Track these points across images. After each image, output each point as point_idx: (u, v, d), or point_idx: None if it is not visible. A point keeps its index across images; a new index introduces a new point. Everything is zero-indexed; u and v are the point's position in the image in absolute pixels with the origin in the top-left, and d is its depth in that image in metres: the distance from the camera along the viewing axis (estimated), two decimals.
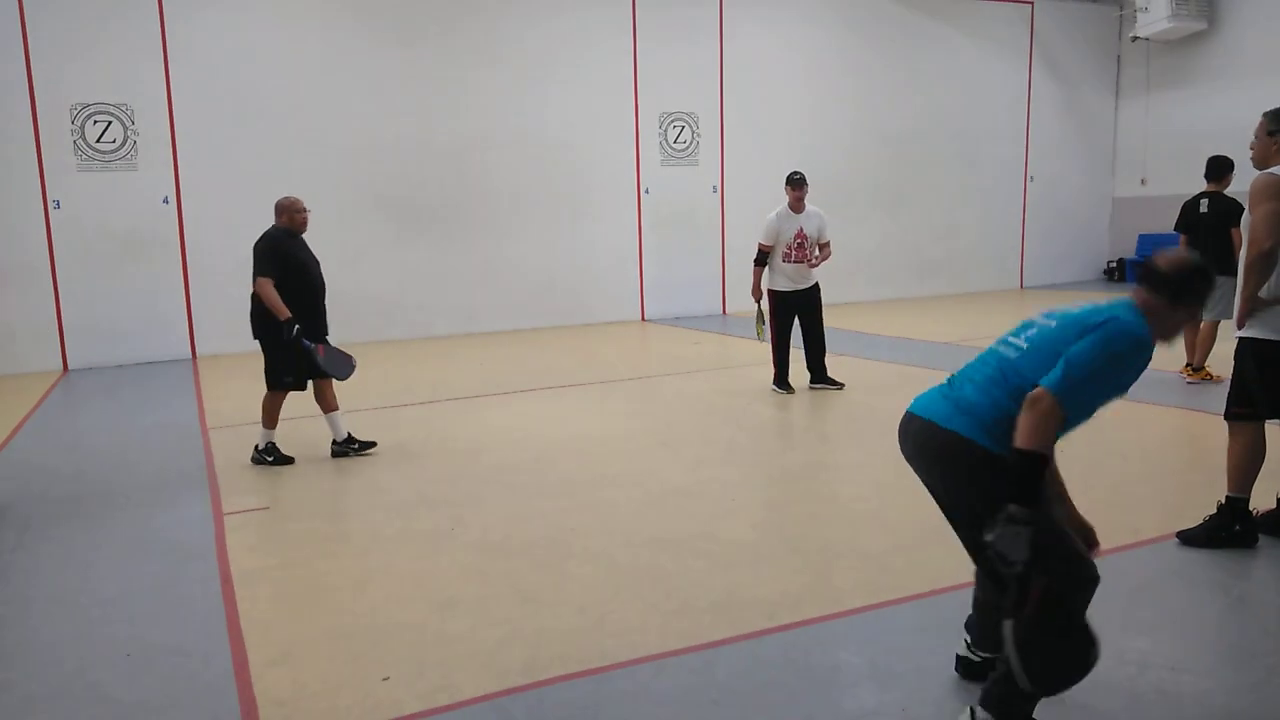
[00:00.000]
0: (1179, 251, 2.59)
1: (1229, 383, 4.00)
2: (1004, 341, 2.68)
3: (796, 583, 3.71)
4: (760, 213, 13.77)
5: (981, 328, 11.13)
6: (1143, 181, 16.43)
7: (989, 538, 2.35)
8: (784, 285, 7.72)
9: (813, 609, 3.46)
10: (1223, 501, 3.92)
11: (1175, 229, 7.55)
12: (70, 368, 10.13)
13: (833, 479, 5.22)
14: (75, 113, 9.97)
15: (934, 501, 2.71)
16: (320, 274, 5.94)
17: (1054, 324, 2.55)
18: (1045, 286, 16.27)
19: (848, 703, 2.82)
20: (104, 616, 3.63)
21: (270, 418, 5.81)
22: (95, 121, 10.06)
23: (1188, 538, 3.94)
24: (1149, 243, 16.43)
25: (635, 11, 12.70)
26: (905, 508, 4.66)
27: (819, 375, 7.66)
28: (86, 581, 4.01)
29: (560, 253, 12.47)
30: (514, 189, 12.15)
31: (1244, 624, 3.32)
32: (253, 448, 5.87)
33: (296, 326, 5.56)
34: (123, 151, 10.22)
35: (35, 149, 9.86)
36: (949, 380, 2.71)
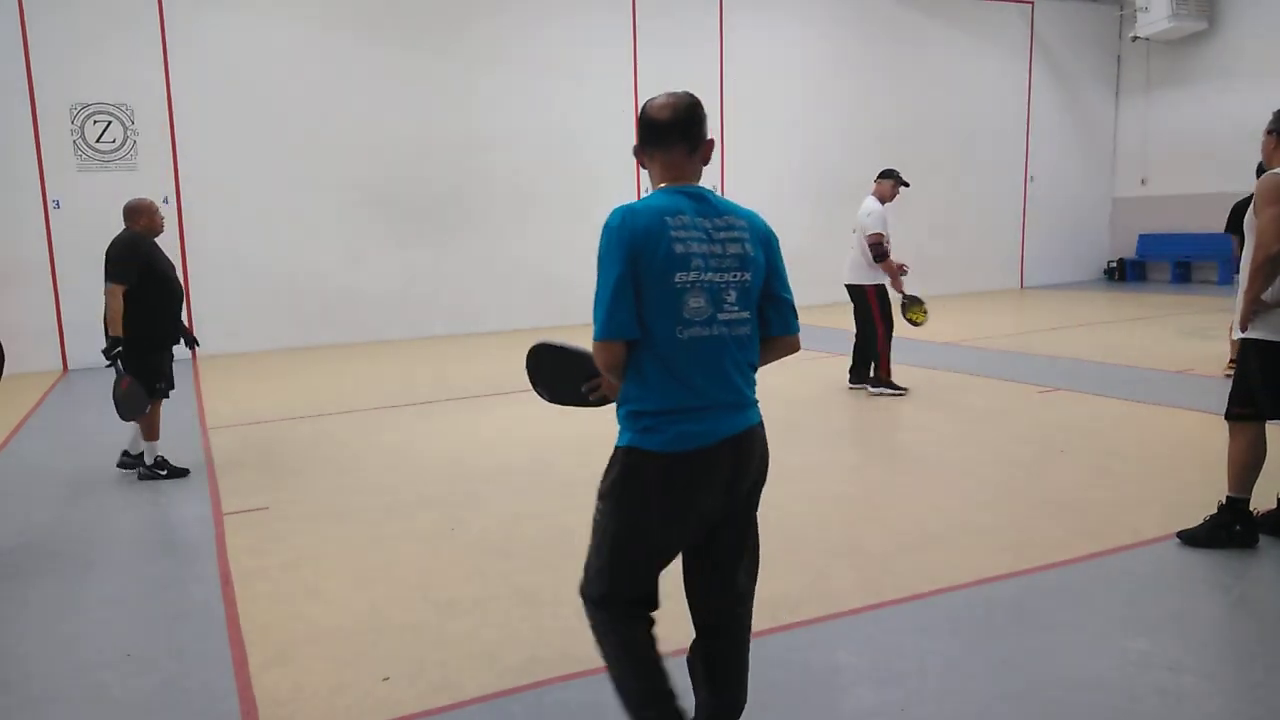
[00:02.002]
0: (670, 95, 2.34)
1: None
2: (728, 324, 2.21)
3: (796, 583, 3.71)
4: (761, 211, 13.81)
5: (981, 328, 11.14)
6: (1143, 181, 16.43)
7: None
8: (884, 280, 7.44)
9: (812, 609, 3.45)
10: (1223, 501, 3.92)
11: (1225, 230, 7.46)
12: (70, 368, 10.14)
13: (833, 479, 5.22)
14: (75, 113, 9.97)
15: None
16: (179, 280, 5.66)
17: (749, 276, 2.20)
18: (1045, 286, 16.28)
19: (847, 703, 2.82)
20: (104, 616, 3.63)
21: (151, 429, 5.50)
22: (95, 121, 10.07)
23: (1188, 537, 3.94)
24: (1149, 242, 16.44)
25: (635, 12, 12.70)
26: (905, 508, 4.67)
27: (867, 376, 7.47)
28: (87, 581, 4.00)
29: (561, 252, 12.46)
30: (515, 189, 12.15)
31: (1244, 624, 3.32)
32: (139, 464, 5.57)
33: (118, 350, 5.24)
34: (123, 151, 10.22)
35: (35, 149, 9.86)
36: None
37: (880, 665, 3.02)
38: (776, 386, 7.92)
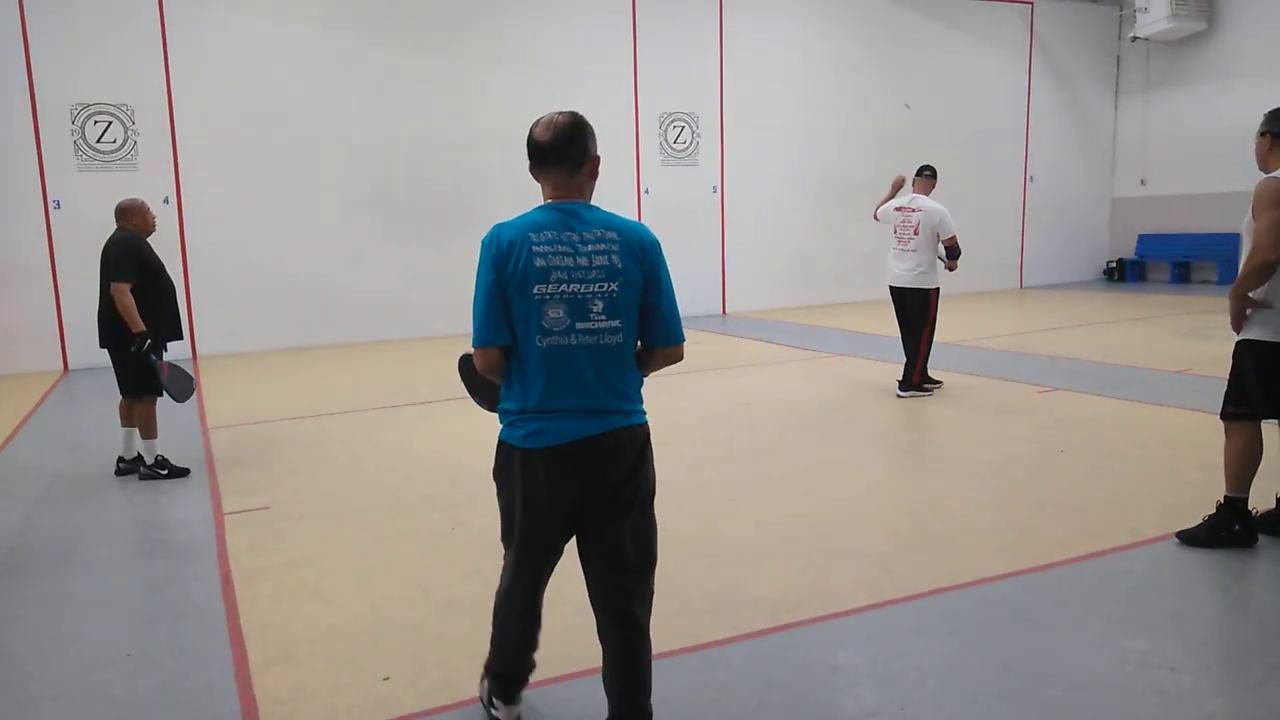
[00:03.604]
0: (554, 115, 2.42)
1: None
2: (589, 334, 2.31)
3: (796, 583, 3.71)
4: (760, 211, 13.86)
5: (980, 328, 11.14)
6: (1142, 181, 16.43)
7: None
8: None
9: (812, 609, 3.46)
10: (1221, 501, 3.92)
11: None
12: (70, 368, 10.14)
13: (833, 479, 5.22)
14: (76, 113, 9.97)
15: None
16: (170, 279, 5.68)
17: (618, 286, 2.28)
18: (1045, 286, 16.28)
19: (847, 703, 2.82)
20: (104, 615, 3.63)
21: (149, 428, 5.52)
22: (96, 122, 10.07)
23: (1187, 537, 3.94)
24: (1149, 242, 16.44)
25: (635, 12, 12.71)
26: (905, 508, 4.67)
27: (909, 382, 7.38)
28: (87, 580, 4.01)
29: None
30: (515, 189, 12.01)
31: (1243, 623, 3.32)
32: (139, 465, 5.57)
33: (148, 342, 5.30)
34: (123, 152, 10.22)
35: (36, 149, 9.86)
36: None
37: (880, 665, 3.03)
38: (776, 387, 7.94)
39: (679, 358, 2.43)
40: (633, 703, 2.46)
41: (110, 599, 3.81)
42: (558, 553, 2.51)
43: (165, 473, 5.56)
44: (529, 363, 2.29)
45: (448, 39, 11.69)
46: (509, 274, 2.27)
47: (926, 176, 7.53)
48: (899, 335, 7.56)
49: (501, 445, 2.42)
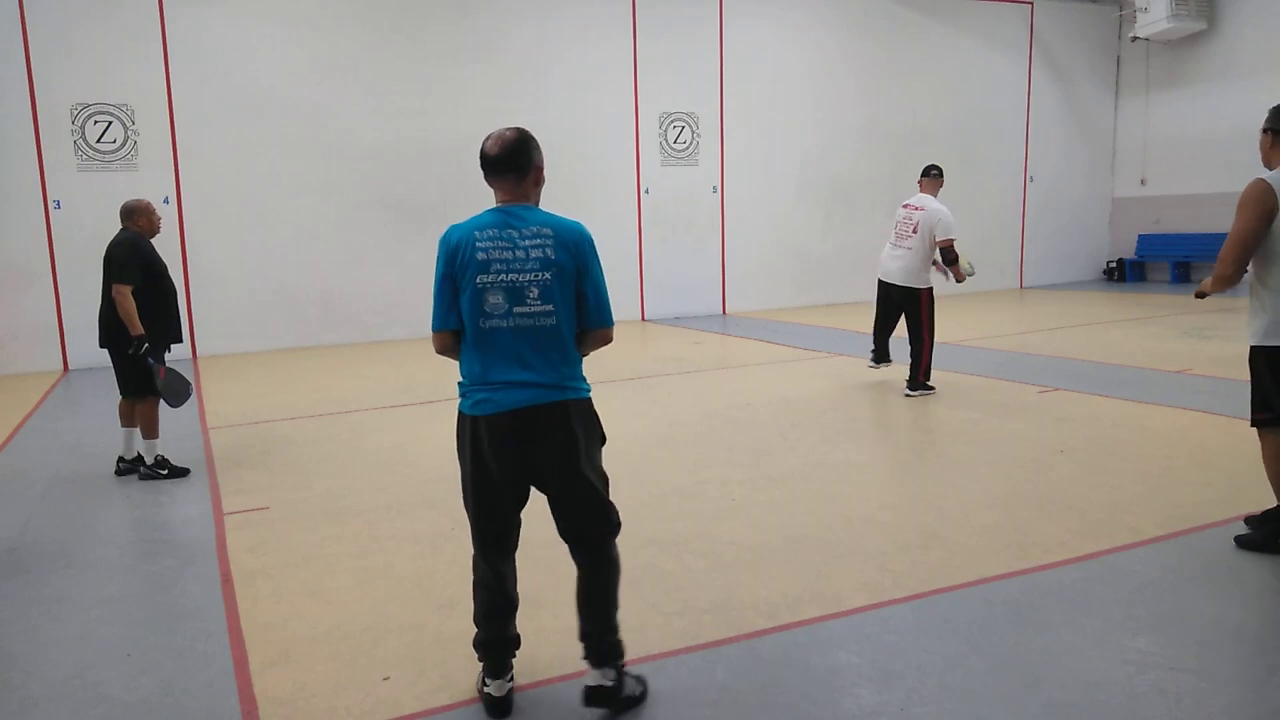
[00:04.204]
0: (502, 131, 2.73)
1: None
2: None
3: (796, 583, 3.71)
4: (760, 211, 13.86)
5: (982, 328, 11.14)
6: (1142, 181, 16.44)
7: None
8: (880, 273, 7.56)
9: (813, 609, 3.46)
10: (1272, 509, 3.89)
11: None
12: (71, 367, 10.14)
13: (833, 479, 5.22)
14: (75, 113, 9.98)
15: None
16: (172, 280, 5.68)
17: (551, 275, 2.63)
18: (1045, 286, 16.28)
19: (847, 703, 2.82)
20: (104, 615, 3.63)
21: (151, 428, 5.53)
22: (95, 122, 10.07)
23: (1245, 543, 3.89)
24: (1149, 242, 16.44)
25: (635, 11, 12.71)
26: (905, 508, 4.67)
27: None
28: (87, 580, 4.01)
29: None
30: None
31: (1244, 623, 3.32)
32: (139, 464, 5.57)
33: (145, 345, 5.30)
34: (123, 152, 10.22)
35: (36, 149, 9.87)
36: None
37: (880, 665, 3.03)
38: (776, 387, 7.94)
39: (608, 340, 2.79)
40: (600, 617, 2.81)
41: (110, 599, 3.81)
42: (512, 520, 2.81)
43: (165, 473, 5.56)
44: (475, 342, 2.66)
45: (448, 40, 11.69)
46: (457, 266, 2.64)
47: (934, 176, 7.52)
48: (898, 337, 7.57)
49: (459, 416, 2.78)
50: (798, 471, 5.33)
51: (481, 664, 2.87)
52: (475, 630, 2.89)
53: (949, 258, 7.23)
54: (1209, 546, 3.97)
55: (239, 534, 4.54)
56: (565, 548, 3.33)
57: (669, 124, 13.12)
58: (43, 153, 9.90)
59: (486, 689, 2.83)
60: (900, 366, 7.76)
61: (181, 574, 4.07)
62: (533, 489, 2.81)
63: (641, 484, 5.17)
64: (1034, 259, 16.39)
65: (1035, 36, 15.77)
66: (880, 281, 7.56)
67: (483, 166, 2.70)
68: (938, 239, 7.20)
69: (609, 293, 2.76)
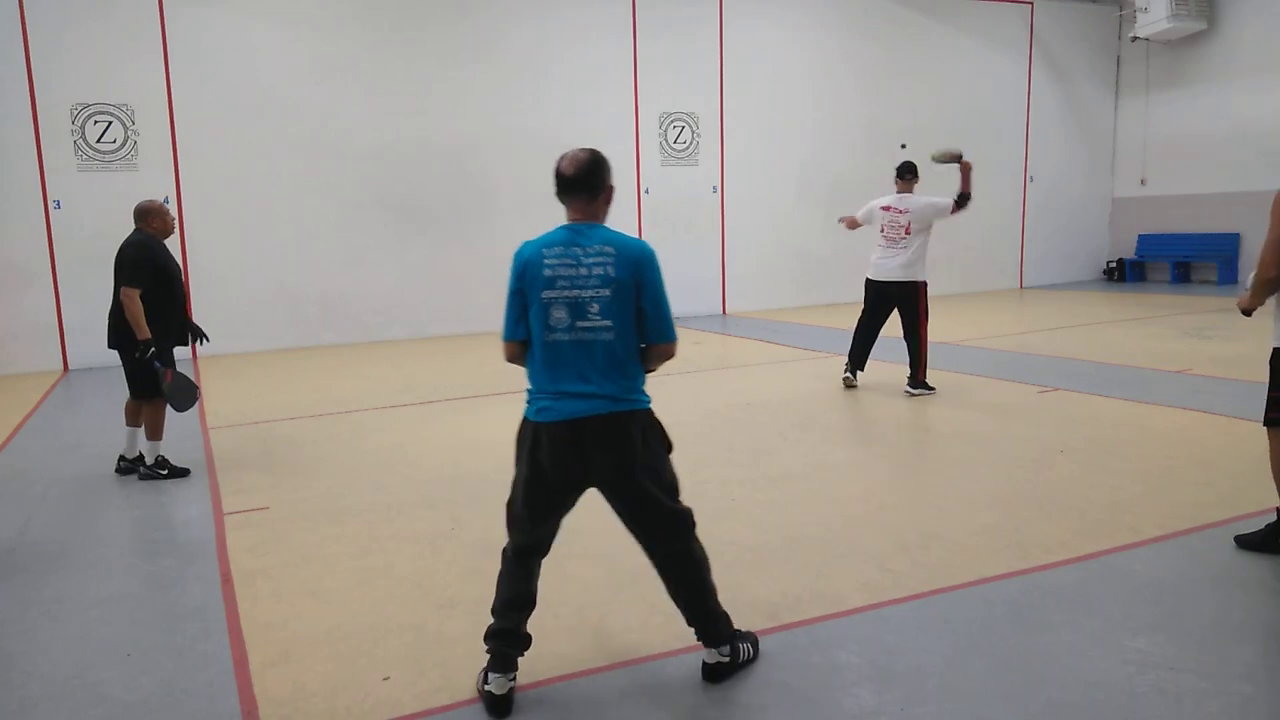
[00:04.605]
0: (577, 151, 2.87)
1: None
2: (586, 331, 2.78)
3: (796, 583, 3.71)
4: (760, 211, 13.86)
5: (982, 328, 11.14)
6: (1142, 181, 16.43)
7: None
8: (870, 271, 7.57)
9: (813, 609, 3.46)
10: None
11: None
12: (71, 367, 10.14)
13: (833, 479, 5.22)
14: (75, 113, 9.98)
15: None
16: (182, 283, 5.63)
17: (610, 292, 2.72)
18: (1045, 286, 16.28)
19: (848, 703, 2.82)
20: (104, 615, 3.63)
21: (155, 429, 5.53)
22: (95, 121, 10.07)
23: (1245, 542, 3.86)
24: (1149, 243, 16.45)
25: (635, 11, 12.71)
26: (905, 508, 4.67)
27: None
28: (87, 580, 4.01)
29: None
30: (514, 188, 12.15)
31: (1244, 624, 3.31)
32: (140, 464, 5.56)
33: (152, 349, 5.28)
34: (123, 152, 10.22)
35: (36, 149, 9.86)
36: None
37: (880, 665, 3.03)
38: (776, 387, 7.94)
39: (670, 354, 2.87)
40: (696, 609, 2.92)
41: (110, 599, 3.81)
42: (556, 524, 2.92)
43: (165, 473, 5.56)
44: (540, 353, 2.78)
45: (448, 40, 11.69)
46: (526, 281, 2.78)
47: (910, 179, 7.54)
48: (897, 336, 7.57)
49: (522, 421, 2.88)
50: (798, 471, 5.33)
51: (488, 658, 2.88)
52: (489, 622, 2.93)
53: (966, 198, 7.19)
54: (1209, 547, 3.97)
55: (239, 534, 4.54)
56: (565, 548, 3.33)
57: (669, 124, 13.12)
58: (43, 153, 9.90)
59: (488, 686, 2.84)
60: (890, 367, 7.75)
61: (181, 574, 4.07)
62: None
63: None
64: (1034, 259, 16.39)
65: (1035, 36, 15.77)
66: (874, 283, 7.50)
67: (557, 185, 2.82)
68: (947, 209, 7.22)
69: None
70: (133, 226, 5.51)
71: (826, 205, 14.35)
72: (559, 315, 2.72)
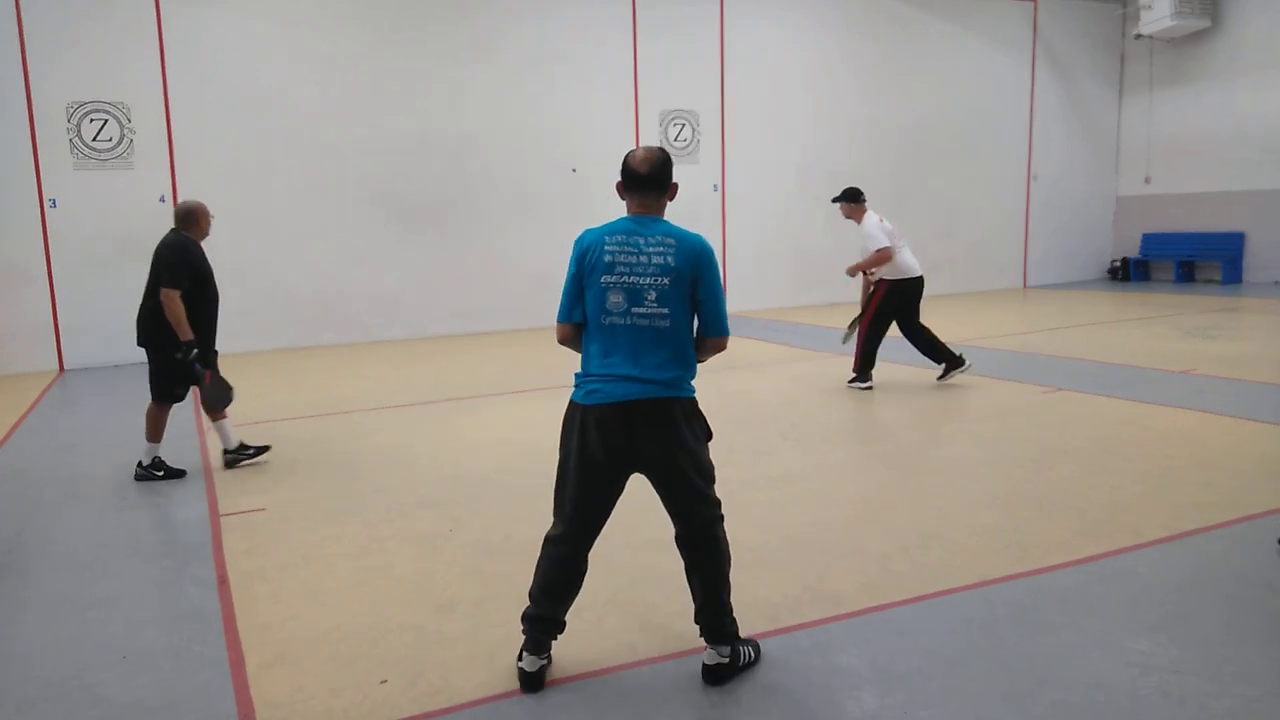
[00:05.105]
0: (647, 149, 2.97)
1: None
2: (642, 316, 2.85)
3: (797, 584, 3.69)
4: (761, 210, 13.84)
5: (984, 327, 11.12)
6: (1146, 180, 16.40)
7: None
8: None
9: (813, 610, 3.44)
10: None
11: None
12: (66, 367, 10.12)
13: (833, 479, 5.20)
14: (71, 111, 9.96)
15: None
16: (216, 287, 5.65)
17: (669, 281, 2.81)
18: (1048, 286, 16.25)
19: (849, 705, 2.80)
20: (101, 617, 3.62)
21: (155, 430, 5.49)
22: (91, 120, 10.05)
23: None
24: (1153, 241, 16.41)
25: (635, 11, 12.68)
26: (905, 508, 4.65)
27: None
28: (84, 582, 3.99)
29: (560, 252, 12.24)
30: (514, 188, 12.14)
31: (1247, 625, 3.29)
32: (136, 464, 5.58)
33: (195, 350, 5.30)
34: (119, 150, 10.20)
35: (31, 148, 9.84)
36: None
37: (881, 667, 3.01)
38: (777, 387, 7.92)
39: (722, 347, 2.96)
40: (711, 599, 2.96)
41: (107, 600, 3.79)
42: (605, 508, 2.95)
43: (161, 474, 5.55)
44: (595, 337, 2.87)
45: (447, 37, 11.67)
46: (586, 265, 2.86)
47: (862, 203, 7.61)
48: (897, 336, 7.58)
49: (569, 405, 2.93)
50: (798, 471, 5.31)
51: (524, 638, 2.96)
52: (529, 600, 2.98)
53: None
54: (1211, 548, 3.95)
55: (236, 535, 4.52)
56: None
57: (669, 122, 13.10)
58: (38, 151, 9.88)
59: (521, 664, 2.93)
60: (893, 368, 7.72)
61: (178, 575, 4.06)
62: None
63: (641, 484, 5.14)
64: (1037, 258, 16.36)
65: (1038, 34, 15.74)
66: (921, 280, 7.57)
67: (627, 180, 2.93)
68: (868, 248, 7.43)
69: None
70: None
71: (826, 204, 14.26)
72: (616, 300, 2.80)
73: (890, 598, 3.53)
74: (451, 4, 11.66)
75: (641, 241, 2.82)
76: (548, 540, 2.98)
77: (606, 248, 2.83)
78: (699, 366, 2.95)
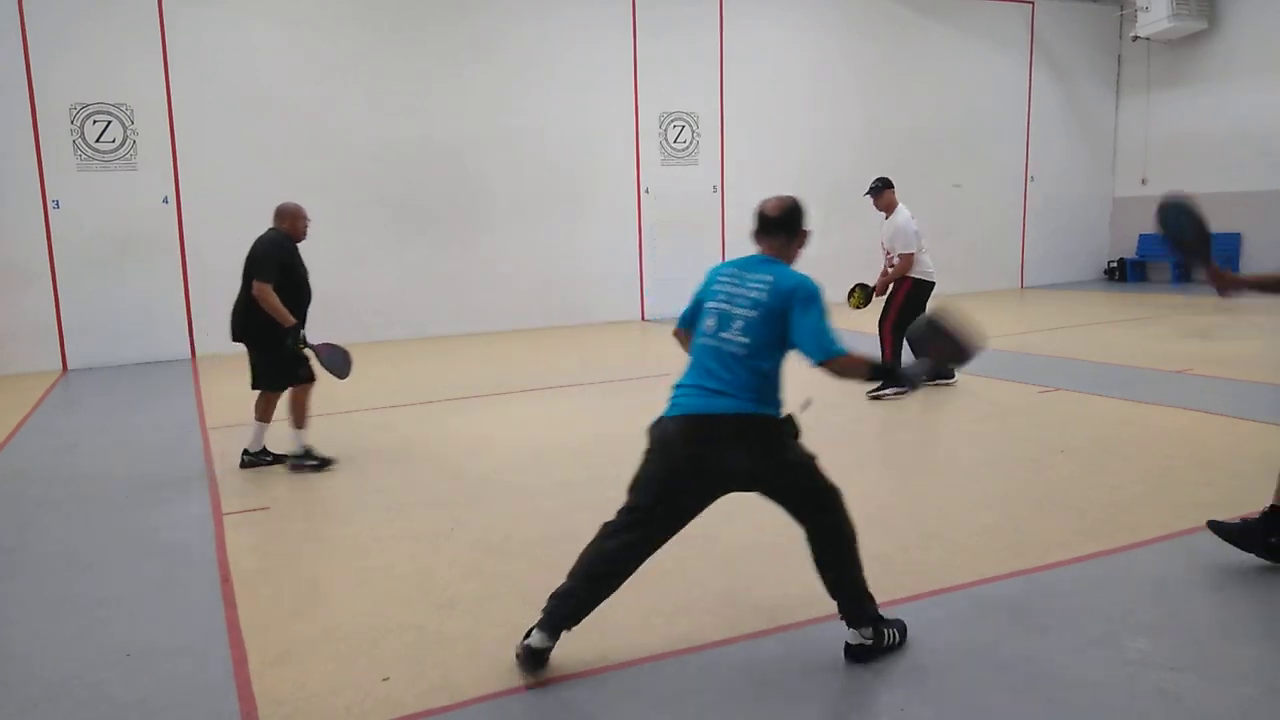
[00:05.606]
0: (779, 197, 3.21)
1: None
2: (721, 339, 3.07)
3: (796, 583, 3.71)
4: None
5: (982, 327, 11.12)
6: (1143, 181, 16.42)
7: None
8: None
9: (813, 609, 3.45)
10: (1268, 509, 3.72)
11: None
12: (70, 368, 10.13)
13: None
14: (74, 113, 9.97)
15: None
16: (309, 285, 5.77)
17: (757, 314, 3.00)
18: (1045, 286, 16.26)
19: (847, 703, 2.82)
20: (104, 616, 3.63)
21: (301, 417, 5.64)
22: (95, 121, 10.06)
23: (1219, 527, 3.76)
24: (1150, 242, 16.42)
25: (635, 11, 12.70)
26: (905, 508, 4.66)
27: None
28: (86, 581, 4.00)
29: (560, 252, 12.47)
30: (514, 188, 12.15)
31: (1245, 624, 3.31)
32: (288, 457, 5.67)
33: (302, 331, 5.47)
34: (122, 151, 10.21)
35: (35, 149, 9.85)
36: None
37: (880, 665, 3.02)
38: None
39: (830, 370, 3.07)
40: (839, 584, 3.08)
41: (110, 599, 3.80)
42: (669, 516, 3.04)
43: (314, 463, 5.61)
44: (691, 353, 3.16)
45: (448, 39, 11.68)
46: (703, 288, 3.23)
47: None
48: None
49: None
50: None
51: (543, 615, 3.02)
52: (561, 582, 3.06)
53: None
54: (1210, 547, 3.96)
55: (239, 534, 4.54)
56: (565, 548, 3.33)
57: (669, 123, 13.11)
58: (41, 152, 9.89)
59: (528, 640, 3.00)
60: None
61: (181, 574, 4.07)
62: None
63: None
64: (1035, 259, 16.37)
65: (1036, 36, 15.75)
66: (934, 284, 7.80)
67: (757, 223, 3.18)
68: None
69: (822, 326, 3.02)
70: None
71: (826, 205, 14.31)
72: (710, 323, 3.08)
73: (890, 596, 3.54)
74: (451, 4, 11.67)
75: (747, 276, 3.09)
76: (603, 530, 3.08)
77: (719, 279, 3.15)
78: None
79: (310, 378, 5.69)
